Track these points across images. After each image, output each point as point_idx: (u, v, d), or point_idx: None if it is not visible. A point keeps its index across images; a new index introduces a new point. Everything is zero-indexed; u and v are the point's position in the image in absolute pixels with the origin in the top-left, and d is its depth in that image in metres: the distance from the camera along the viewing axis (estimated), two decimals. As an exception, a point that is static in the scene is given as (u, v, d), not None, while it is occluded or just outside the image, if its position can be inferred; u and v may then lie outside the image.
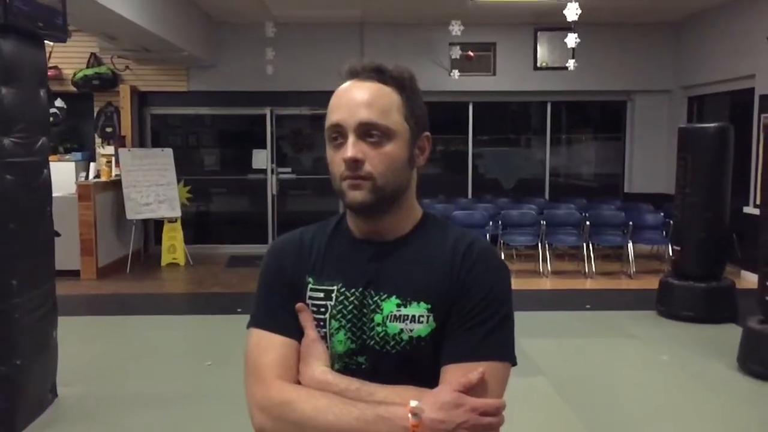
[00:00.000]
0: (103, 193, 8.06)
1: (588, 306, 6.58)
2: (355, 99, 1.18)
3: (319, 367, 1.18)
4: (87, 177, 8.23)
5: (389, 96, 1.20)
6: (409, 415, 1.07)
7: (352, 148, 1.16)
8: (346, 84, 1.21)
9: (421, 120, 1.23)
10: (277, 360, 1.18)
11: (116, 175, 8.45)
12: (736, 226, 7.12)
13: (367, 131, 1.17)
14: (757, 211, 6.14)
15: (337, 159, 1.19)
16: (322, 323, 1.21)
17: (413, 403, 1.08)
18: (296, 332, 1.21)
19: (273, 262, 1.28)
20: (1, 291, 3.52)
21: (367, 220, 1.23)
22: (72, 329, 4.39)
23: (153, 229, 9.39)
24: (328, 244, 1.26)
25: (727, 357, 4.84)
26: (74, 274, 7.47)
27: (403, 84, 1.21)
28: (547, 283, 7.65)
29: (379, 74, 1.21)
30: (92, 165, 8.47)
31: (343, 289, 1.21)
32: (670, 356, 5.06)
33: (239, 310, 6.34)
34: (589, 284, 7.67)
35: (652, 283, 6.71)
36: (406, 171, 1.21)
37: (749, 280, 7.04)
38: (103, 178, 8.33)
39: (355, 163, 1.16)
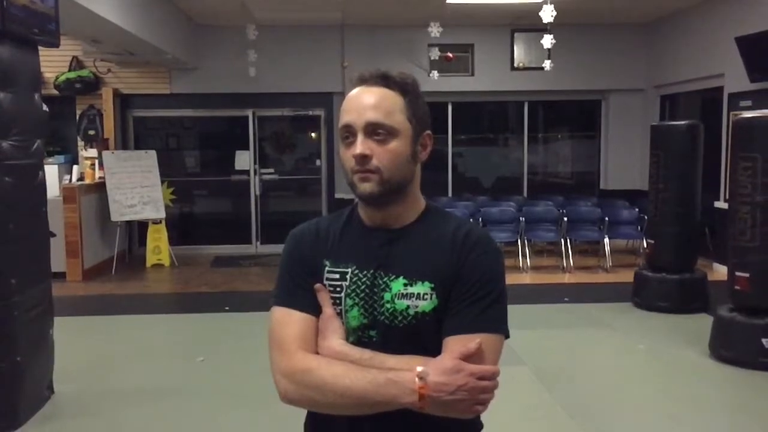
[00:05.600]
0: (87, 196, 8.12)
1: (566, 299, 6.79)
2: (363, 102, 1.34)
3: (335, 340, 1.33)
4: (71, 180, 8.27)
5: (393, 99, 1.35)
6: (416, 378, 1.23)
7: (360, 145, 1.32)
8: (356, 90, 1.37)
9: (422, 120, 1.39)
10: (298, 333, 1.34)
11: (100, 178, 8.50)
12: (707, 220, 7.38)
13: (373, 130, 1.32)
14: (727, 206, 6.38)
15: (348, 155, 1.34)
16: (337, 301, 1.37)
17: (419, 369, 1.24)
18: (315, 309, 1.36)
19: (293, 247, 1.43)
20: (1, 290, 3.62)
21: (376, 209, 1.38)
22: (62, 329, 4.45)
23: (137, 230, 9.45)
24: (342, 231, 1.42)
25: (699, 345, 5.06)
26: (60, 276, 7.50)
27: (405, 88, 1.37)
28: (526, 278, 7.84)
29: (384, 80, 1.36)
30: (75, 168, 8.51)
31: (356, 271, 1.36)
32: (646, 345, 5.27)
33: (227, 308, 6.48)
34: (567, 278, 7.88)
35: (627, 276, 6.93)
36: (409, 165, 1.37)
37: (720, 271, 7.28)
38: (88, 181, 8.39)
39: (363, 159, 1.32)
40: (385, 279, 1.34)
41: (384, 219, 1.39)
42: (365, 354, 1.30)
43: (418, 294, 1.32)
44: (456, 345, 1.28)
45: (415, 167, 1.39)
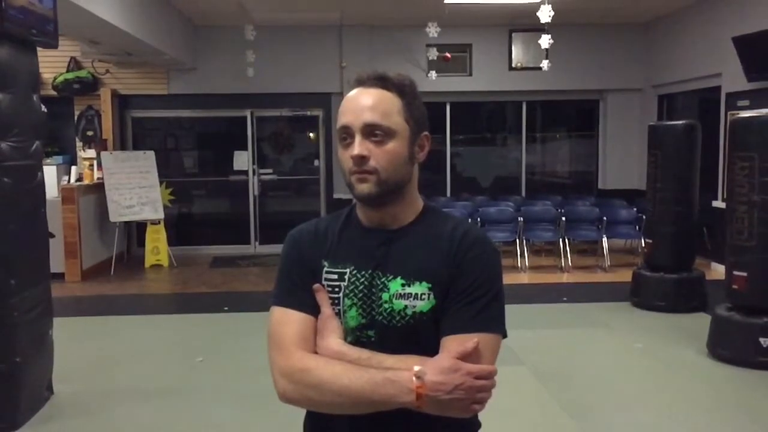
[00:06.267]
0: (86, 196, 8.12)
1: (565, 299, 6.80)
2: (361, 104, 1.35)
3: (334, 340, 1.34)
4: (69, 180, 8.28)
5: (391, 100, 1.36)
6: (414, 378, 1.23)
7: (358, 147, 1.33)
8: (354, 91, 1.38)
9: (420, 121, 1.40)
10: (297, 333, 1.34)
11: (98, 178, 8.51)
12: (705, 219, 7.39)
13: (371, 131, 1.33)
14: (724, 205, 6.40)
15: (346, 156, 1.35)
16: (336, 301, 1.38)
17: (417, 368, 1.24)
18: (313, 309, 1.37)
19: (292, 248, 1.44)
20: (1, 290, 3.62)
21: (374, 210, 1.39)
22: (62, 329, 4.46)
23: (135, 231, 9.45)
24: (340, 232, 1.43)
25: (697, 344, 5.07)
26: (59, 276, 7.50)
27: (403, 90, 1.38)
28: (525, 278, 7.86)
29: (382, 82, 1.37)
30: (74, 168, 8.51)
31: (354, 272, 1.37)
32: (644, 344, 5.28)
33: (226, 308, 6.48)
34: (565, 278, 7.89)
35: (625, 275, 6.94)
36: (407, 166, 1.38)
37: (718, 270, 7.30)
38: (86, 182, 8.39)
39: (361, 159, 1.33)
40: (383, 279, 1.35)
41: (382, 219, 1.40)
42: (363, 354, 1.31)
43: (416, 294, 1.33)
44: (453, 344, 1.29)
45: (413, 168, 1.40)
